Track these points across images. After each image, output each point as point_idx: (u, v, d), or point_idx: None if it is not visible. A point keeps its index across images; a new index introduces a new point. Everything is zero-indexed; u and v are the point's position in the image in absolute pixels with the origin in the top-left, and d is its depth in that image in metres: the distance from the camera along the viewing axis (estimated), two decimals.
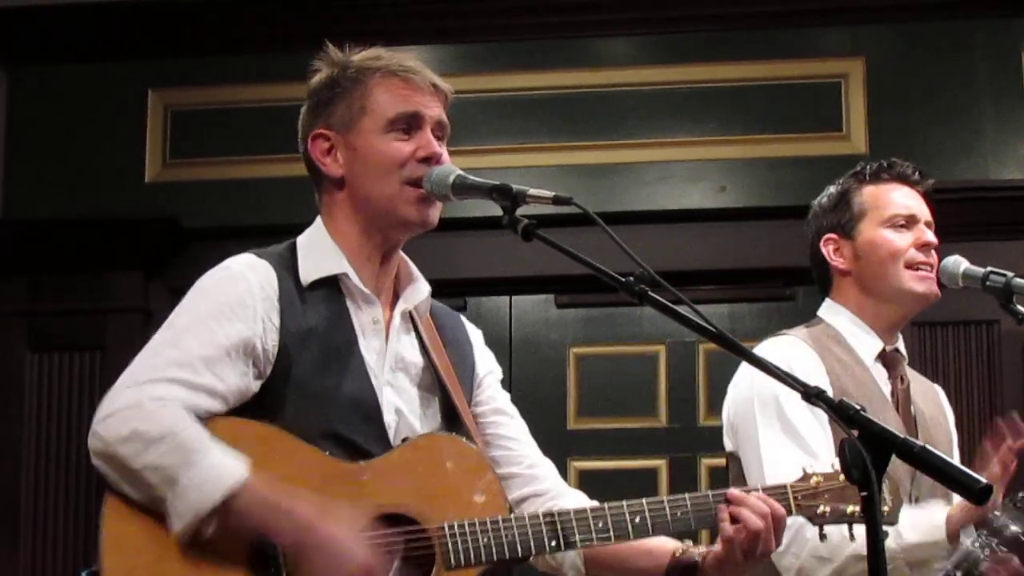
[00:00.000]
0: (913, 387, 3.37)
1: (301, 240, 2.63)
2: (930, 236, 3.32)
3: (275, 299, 2.51)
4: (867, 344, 3.30)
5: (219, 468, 2.35)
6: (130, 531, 2.39)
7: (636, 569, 2.65)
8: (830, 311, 3.36)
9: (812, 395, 2.19)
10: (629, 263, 2.31)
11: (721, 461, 3.48)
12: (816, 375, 3.13)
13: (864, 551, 2.84)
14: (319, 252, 2.60)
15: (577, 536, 2.50)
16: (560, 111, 5.48)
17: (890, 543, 2.84)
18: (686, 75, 5.47)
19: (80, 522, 5.16)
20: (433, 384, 2.64)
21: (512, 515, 2.51)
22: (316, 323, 2.52)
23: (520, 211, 2.43)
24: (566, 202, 2.39)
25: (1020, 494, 2.97)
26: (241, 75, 5.55)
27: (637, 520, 2.51)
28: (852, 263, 3.33)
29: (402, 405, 2.57)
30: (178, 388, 2.40)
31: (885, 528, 2.19)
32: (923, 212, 3.35)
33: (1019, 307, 3.25)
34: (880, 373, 3.30)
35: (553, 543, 2.49)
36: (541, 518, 2.50)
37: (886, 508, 2.54)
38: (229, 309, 2.48)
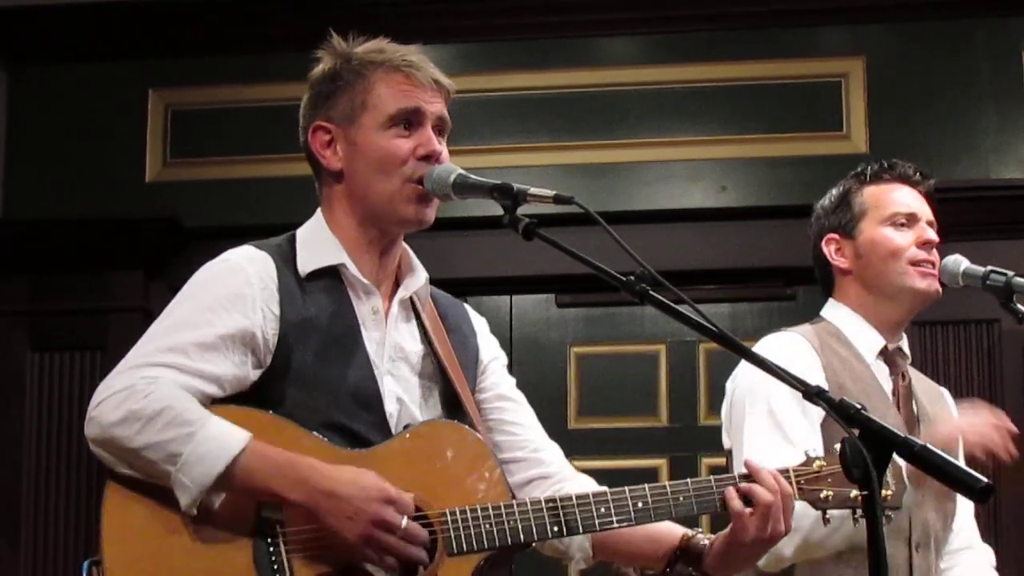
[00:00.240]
0: (919, 388, 3.37)
1: (300, 232, 2.64)
2: (931, 234, 3.32)
3: (274, 289, 2.51)
4: (868, 341, 3.30)
5: (221, 437, 2.35)
6: (131, 520, 2.39)
7: (643, 555, 2.65)
8: (832, 309, 3.37)
9: (812, 394, 2.19)
10: (630, 262, 2.31)
11: (722, 460, 3.49)
12: (812, 370, 3.14)
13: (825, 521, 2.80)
14: (318, 243, 2.60)
15: (580, 522, 2.49)
16: (561, 110, 5.48)
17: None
18: (686, 74, 5.47)
19: (81, 520, 5.17)
20: (435, 372, 2.64)
21: (514, 501, 2.50)
22: (317, 313, 2.52)
23: (521, 210, 2.43)
24: (567, 201, 2.39)
25: None
26: (241, 75, 5.55)
27: (639, 505, 2.51)
28: (853, 262, 3.34)
29: (403, 394, 2.57)
30: (171, 371, 2.40)
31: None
32: (924, 211, 3.35)
33: (1019, 306, 3.25)
34: (881, 370, 3.30)
35: (555, 529, 2.49)
36: (543, 504, 2.49)
37: (889, 493, 2.53)
38: (227, 300, 2.48)
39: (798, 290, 5.34)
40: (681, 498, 2.52)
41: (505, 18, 5.49)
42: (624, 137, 5.45)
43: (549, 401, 5.35)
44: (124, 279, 5.38)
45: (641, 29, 5.54)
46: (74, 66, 5.59)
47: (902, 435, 2.11)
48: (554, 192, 2.41)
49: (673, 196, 5.41)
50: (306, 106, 2.66)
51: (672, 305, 2.32)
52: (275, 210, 5.15)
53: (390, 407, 2.55)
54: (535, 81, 5.50)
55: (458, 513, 2.46)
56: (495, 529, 2.46)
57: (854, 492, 2.52)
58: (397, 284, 2.65)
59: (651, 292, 2.31)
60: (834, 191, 3.41)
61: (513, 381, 2.79)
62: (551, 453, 2.73)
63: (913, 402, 3.33)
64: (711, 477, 2.54)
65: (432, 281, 2.70)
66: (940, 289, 3.33)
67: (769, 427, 3.12)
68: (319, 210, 2.66)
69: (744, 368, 3.26)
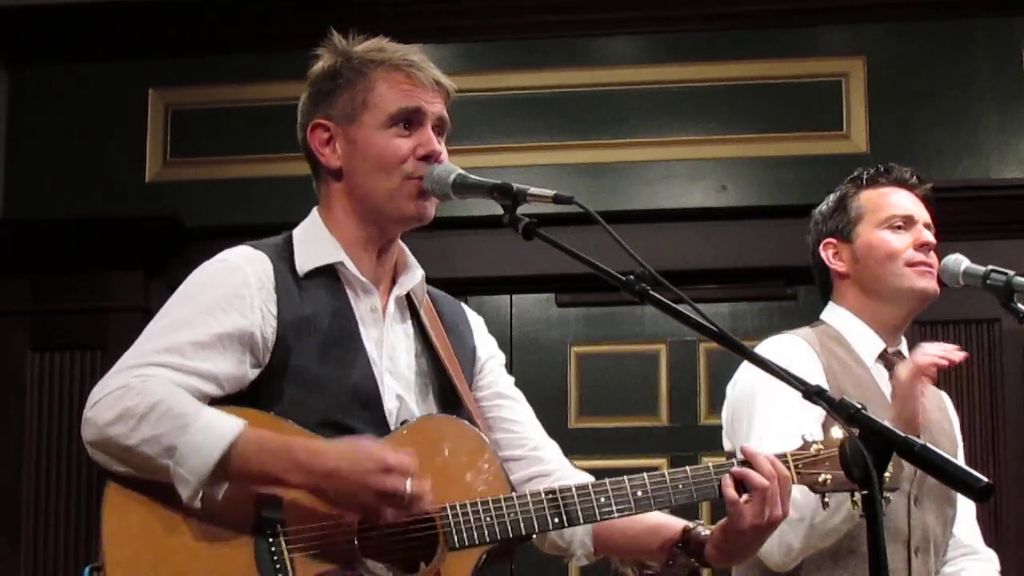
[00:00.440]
0: None
1: (297, 231, 2.63)
2: (928, 236, 3.32)
3: (271, 288, 2.50)
4: (868, 344, 3.30)
5: (215, 426, 2.35)
6: (131, 520, 2.39)
7: (644, 548, 2.64)
8: (832, 313, 3.37)
9: (813, 393, 2.19)
10: (630, 262, 2.31)
11: (722, 460, 3.47)
12: (814, 374, 3.13)
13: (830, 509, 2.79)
14: (315, 242, 2.59)
15: (580, 512, 2.49)
16: (561, 110, 5.48)
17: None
18: (687, 74, 5.48)
19: (82, 520, 5.17)
20: (434, 369, 2.64)
21: (514, 494, 2.50)
22: (315, 312, 2.52)
23: (521, 210, 2.43)
24: (567, 201, 2.39)
25: None
26: (242, 74, 5.55)
27: (639, 493, 2.51)
28: (851, 266, 3.34)
29: (403, 391, 2.57)
30: (166, 369, 2.40)
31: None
32: (921, 214, 3.35)
33: (1020, 306, 3.24)
34: (881, 374, 3.30)
35: (556, 520, 2.49)
36: (543, 495, 2.49)
37: (888, 474, 2.52)
38: (224, 301, 2.47)
39: (798, 290, 5.34)
40: (680, 486, 2.52)
41: (505, 18, 5.49)
42: (624, 137, 5.46)
43: (549, 401, 5.34)
44: (124, 279, 5.39)
45: (641, 29, 5.54)
46: (74, 66, 5.59)
47: (902, 435, 2.11)
48: (554, 192, 2.41)
49: (673, 196, 5.41)
50: (305, 104, 2.66)
51: (672, 305, 2.32)
52: (275, 210, 5.15)
53: (389, 404, 2.55)
54: (535, 81, 5.50)
55: (458, 507, 2.46)
56: (496, 522, 2.46)
57: None
58: (394, 282, 2.65)
59: (651, 292, 2.31)
60: (831, 196, 3.42)
61: (511, 379, 2.79)
62: (550, 451, 2.73)
63: None
64: (709, 464, 2.55)
65: (432, 280, 2.70)
66: (938, 289, 3.33)
67: (777, 421, 3.11)
68: (315, 209, 2.65)
69: (744, 371, 3.26)
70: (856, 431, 2.12)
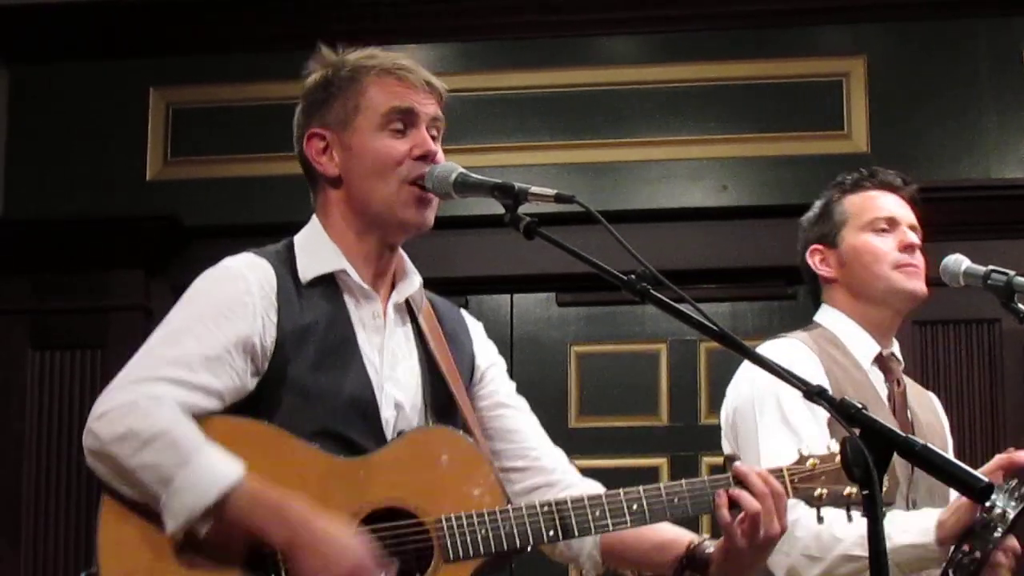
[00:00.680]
0: (909, 392, 3.37)
1: (298, 239, 2.63)
2: (913, 238, 3.33)
3: (273, 297, 2.51)
4: (864, 347, 3.31)
5: (214, 469, 2.35)
6: (127, 533, 2.39)
7: (651, 562, 2.65)
8: (826, 316, 3.38)
9: (813, 393, 2.20)
10: (631, 261, 2.31)
11: (720, 462, 3.48)
12: (817, 377, 3.13)
13: (854, 551, 2.87)
14: (317, 250, 2.59)
15: (575, 525, 2.49)
16: (561, 109, 5.48)
17: None
18: (687, 74, 5.47)
19: (82, 520, 5.16)
20: (432, 377, 2.64)
21: (510, 506, 2.50)
22: (313, 320, 2.52)
23: (522, 209, 2.43)
24: (568, 200, 2.39)
25: (1014, 481, 2.95)
26: (242, 73, 5.55)
27: (634, 507, 2.51)
28: (838, 271, 3.36)
29: (402, 399, 2.57)
30: (174, 387, 2.40)
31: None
32: (905, 216, 3.36)
33: (1020, 306, 3.24)
34: (877, 377, 3.31)
35: (551, 533, 2.49)
36: (539, 508, 2.49)
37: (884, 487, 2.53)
38: (228, 308, 2.48)
39: (798, 289, 5.32)
40: (676, 500, 2.52)
41: (505, 17, 5.49)
42: (625, 136, 5.45)
43: (550, 400, 5.34)
44: (125, 278, 5.38)
45: (641, 29, 5.54)
46: (74, 65, 5.59)
47: (903, 435, 2.11)
48: (555, 191, 2.41)
49: (674, 195, 5.41)
50: (299, 116, 2.67)
51: (673, 304, 2.32)
52: (276, 209, 5.15)
53: (387, 413, 2.55)
54: (536, 80, 5.50)
55: (454, 519, 2.45)
56: (491, 534, 2.46)
57: (848, 490, 2.52)
58: (392, 289, 2.65)
59: (652, 291, 2.31)
60: (817, 203, 3.44)
61: (513, 386, 2.78)
62: (553, 459, 2.73)
63: (907, 409, 3.33)
64: (705, 478, 2.54)
65: (432, 280, 2.70)
66: (926, 290, 3.34)
67: (782, 429, 3.11)
68: (314, 217, 2.65)
69: (745, 373, 3.26)
70: (857, 431, 2.12)
